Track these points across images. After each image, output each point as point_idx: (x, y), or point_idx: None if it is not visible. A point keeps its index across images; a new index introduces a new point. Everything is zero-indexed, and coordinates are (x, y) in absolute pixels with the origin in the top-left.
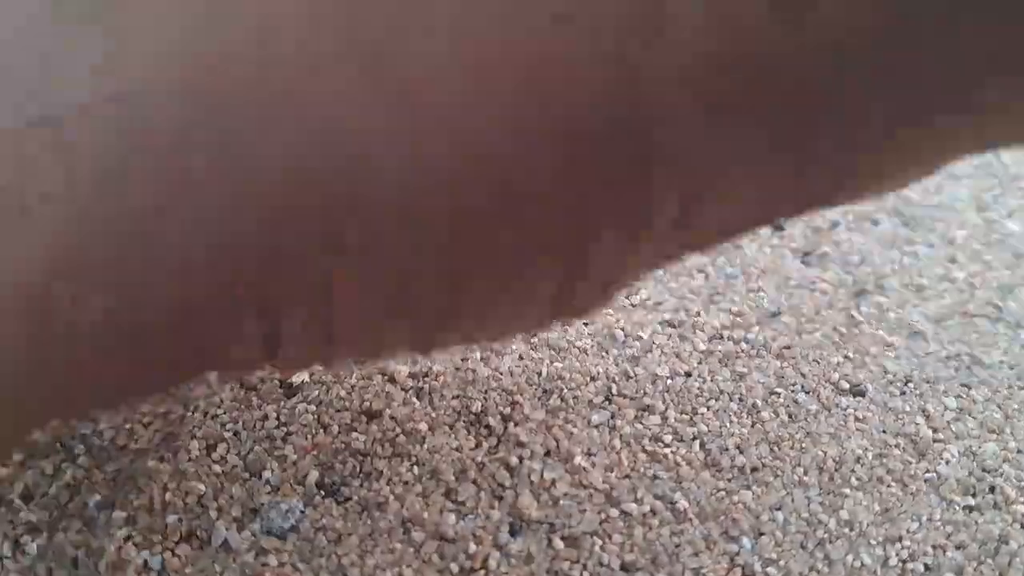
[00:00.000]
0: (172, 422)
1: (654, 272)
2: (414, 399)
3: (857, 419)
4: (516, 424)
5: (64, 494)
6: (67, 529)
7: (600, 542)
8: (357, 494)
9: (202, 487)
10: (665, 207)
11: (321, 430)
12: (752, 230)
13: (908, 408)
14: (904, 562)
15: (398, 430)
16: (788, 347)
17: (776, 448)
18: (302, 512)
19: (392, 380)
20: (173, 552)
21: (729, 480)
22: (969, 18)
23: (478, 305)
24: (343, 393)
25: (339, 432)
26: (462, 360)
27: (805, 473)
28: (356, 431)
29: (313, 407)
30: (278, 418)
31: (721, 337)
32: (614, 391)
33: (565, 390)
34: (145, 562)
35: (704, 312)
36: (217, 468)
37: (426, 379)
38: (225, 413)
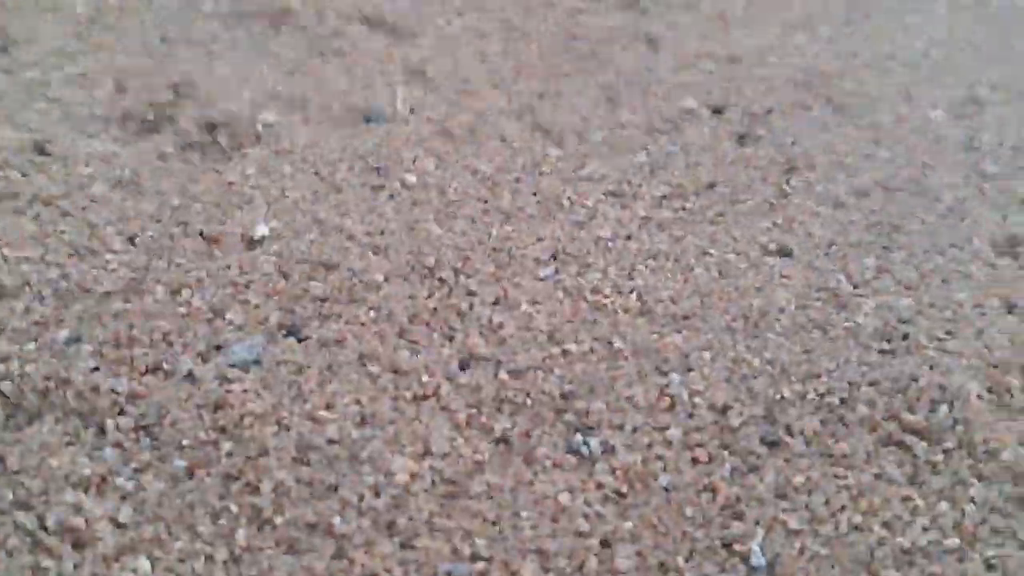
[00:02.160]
0: (136, 269)
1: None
2: (370, 254)
3: (783, 276)
4: (467, 276)
5: (34, 329)
6: (36, 360)
7: (543, 375)
8: (317, 333)
9: (167, 325)
10: None
11: (282, 279)
12: None
13: (831, 267)
14: (822, 396)
15: (355, 280)
16: (722, 214)
17: (706, 299)
18: (264, 348)
19: (350, 237)
20: (139, 381)
21: (662, 326)
22: None
23: None
24: (302, 247)
25: (299, 280)
26: (416, 221)
27: (732, 320)
28: (315, 280)
29: (273, 259)
30: (240, 267)
31: (660, 206)
32: (559, 250)
33: (514, 249)
34: (112, 388)
35: (645, 184)
36: (182, 310)
37: (381, 236)
38: (189, 262)
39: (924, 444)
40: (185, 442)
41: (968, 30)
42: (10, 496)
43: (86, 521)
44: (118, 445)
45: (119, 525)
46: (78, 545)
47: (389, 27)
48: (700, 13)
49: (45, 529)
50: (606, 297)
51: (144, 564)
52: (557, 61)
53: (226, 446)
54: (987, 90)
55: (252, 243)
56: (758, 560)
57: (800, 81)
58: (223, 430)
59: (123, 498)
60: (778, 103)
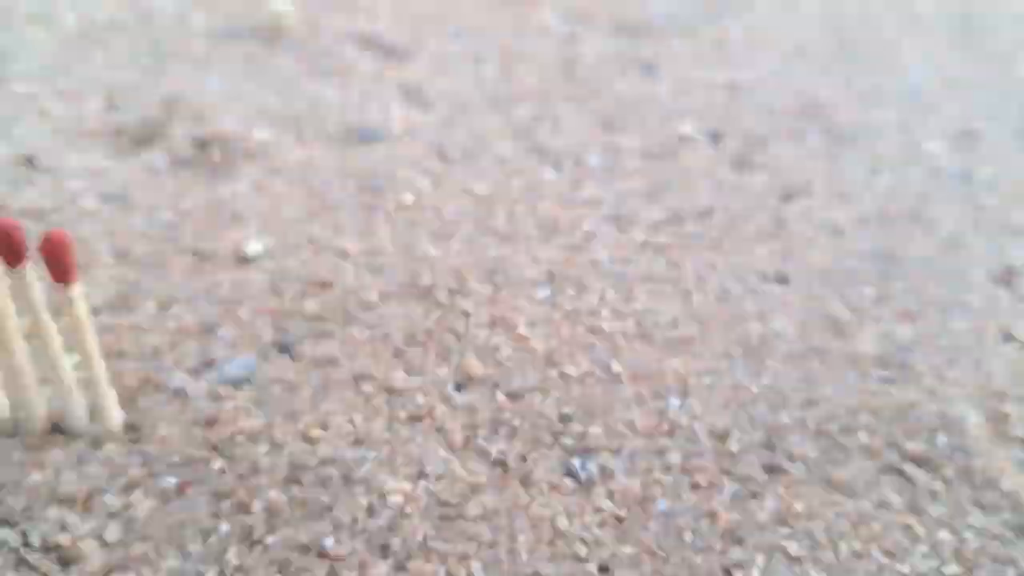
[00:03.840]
0: (126, 283)
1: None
2: (365, 272)
3: (781, 303)
4: (464, 297)
5: None
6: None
7: (540, 397)
8: (310, 352)
9: (158, 340)
10: None
11: (275, 296)
12: None
13: (829, 294)
14: (821, 423)
15: (350, 299)
16: (719, 240)
17: (705, 325)
18: (257, 365)
19: (344, 255)
20: (129, 396)
21: (660, 350)
22: None
23: None
24: (295, 265)
25: (292, 298)
26: (412, 241)
27: (731, 346)
28: (309, 298)
29: (267, 276)
30: (232, 284)
31: (658, 230)
32: (556, 273)
33: (510, 270)
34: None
35: (643, 209)
36: (172, 325)
37: (377, 256)
38: (180, 278)
39: (924, 472)
40: (175, 459)
41: (963, 66)
42: None
43: (72, 539)
44: (106, 461)
45: (106, 543)
46: (64, 563)
47: (386, 48)
48: (697, 41)
49: (29, 546)
50: (604, 320)
51: None
52: (554, 86)
53: (217, 464)
54: (983, 124)
55: (245, 260)
56: None
57: (797, 110)
58: (214, 447)
59: (110, 516)
60: (775, 131)
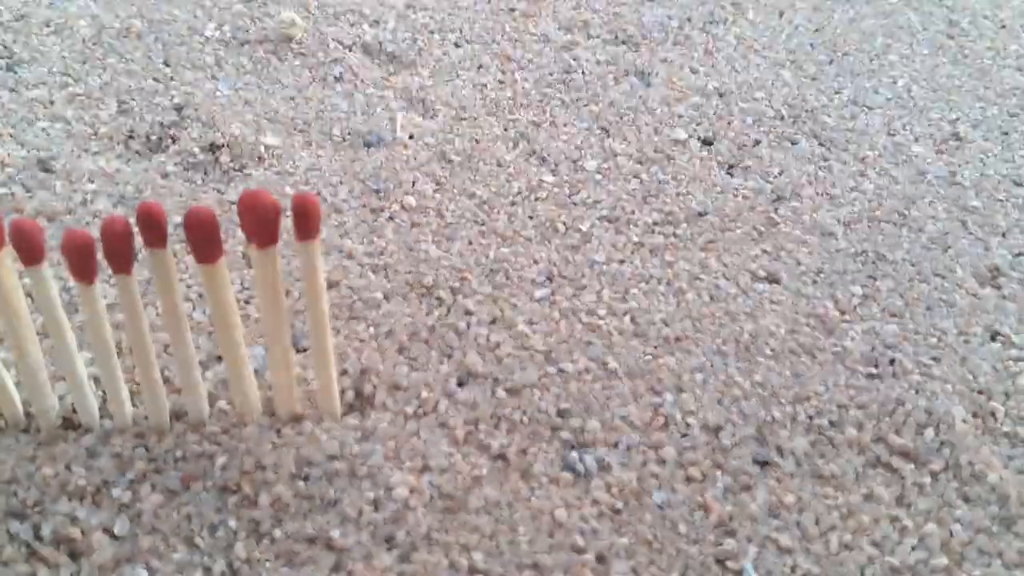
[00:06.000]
0: (138, 283)
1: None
2: (370, 273)
3: (772, 302)
4: (465, 296)
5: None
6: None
7: (539, 393)
8: None
9: (169, 337)
10: None
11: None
12: None
13: (818, 294)
14: (811, 418)
15: (355, 298)
16: (712, 241)
17: (698, 323)
18: (265, 361)
19: (350, 256)
20: (139, 391)
21: (655, 347)
22: None
23: None
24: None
25: (299, 297)
26: (415, 242)
27: (723, 343)
28: None
29: None
30: (242, 284)
31: (652, 232)
32: (555, 273)
33: (510, 270)
34: (103, 393)
35: (638, 211)
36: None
37: (381, 256)
38: (191, 278)
39: (911, 466)
40: (181, 453)
41: (948, 70)
42: (3, 505)
43: (81, 532)
44: (115, 456)
45: (115, 536)
46: (74, 555)
47: (389, 56)
48: (689, 49)
49: (40, 539)
50: (600, 319)
51: (142, 574)
52: (552, 92)
53: (222, 459)
54: (968, 127)
55: (251, 261)
56: None
57: (786, 115)
58: (219, 443)
59: (120, 509)
60: (765, 136)
